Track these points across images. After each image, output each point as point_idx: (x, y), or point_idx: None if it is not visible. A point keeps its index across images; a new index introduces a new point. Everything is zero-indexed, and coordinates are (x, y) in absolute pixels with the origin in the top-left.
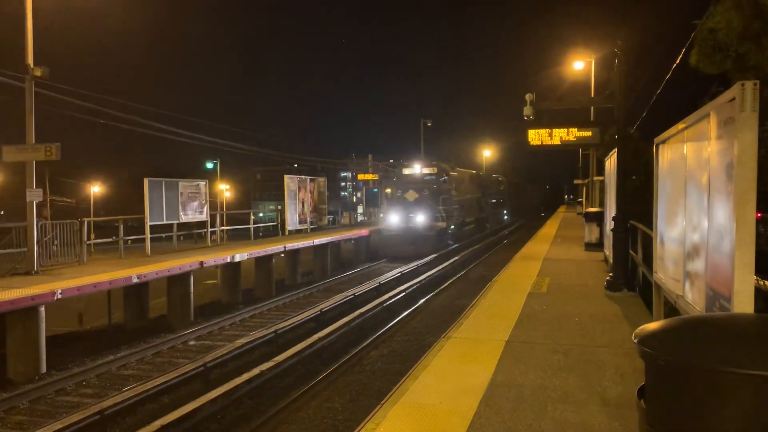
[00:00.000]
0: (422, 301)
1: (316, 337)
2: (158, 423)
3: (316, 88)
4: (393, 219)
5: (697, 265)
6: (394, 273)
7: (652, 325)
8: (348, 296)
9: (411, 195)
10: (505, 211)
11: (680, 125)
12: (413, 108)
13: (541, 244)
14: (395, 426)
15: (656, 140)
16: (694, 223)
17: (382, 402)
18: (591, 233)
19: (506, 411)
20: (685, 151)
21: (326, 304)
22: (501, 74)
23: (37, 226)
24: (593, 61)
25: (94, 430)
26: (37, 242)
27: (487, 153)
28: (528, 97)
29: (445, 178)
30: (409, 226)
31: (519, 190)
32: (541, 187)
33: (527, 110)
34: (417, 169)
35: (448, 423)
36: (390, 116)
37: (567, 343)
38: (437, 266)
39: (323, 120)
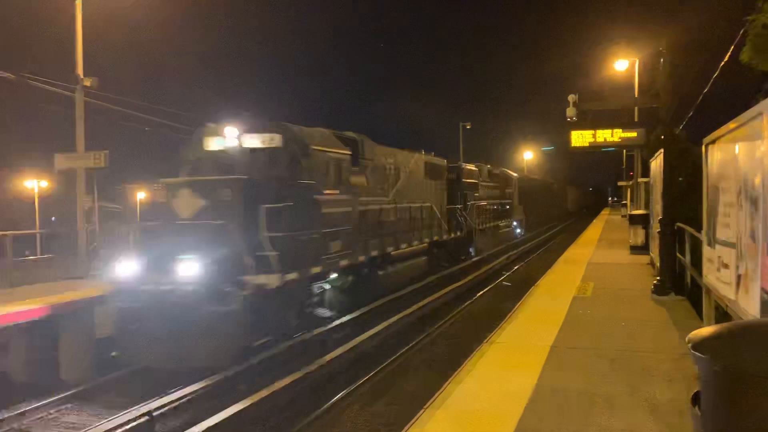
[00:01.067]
0: None
1: None
2: (205, 424)
3: (355, 89)
4: (127, 269)
5: (750, 268)
6: None
7: (706, 330)
8: None
9: (185, 204)
10: (515, 223)
11: (731, 125)
12: (454, 109)
13: (585, 248)
14: (439, 431)
15: (705, 140)
16: (747, 224)
17: (425, 406)
18: (636, 236)
19: (551, 417)
20: (736, 152)
21: None
22: (541, 76)
23: (86, 232)
24: (637, 61)
25: (142, 429)
26: (87, 247)
27: (529, 155)
28: (571, 98)
29: (298, 155)
30: (165, 290)
31: (547, 193)
32: (584, 190)
33: (570, 111)
34: (230, 136)
35: (492, 429)
36: (431, 118)
37: (613, 348)
38: None
39: (364, 121)
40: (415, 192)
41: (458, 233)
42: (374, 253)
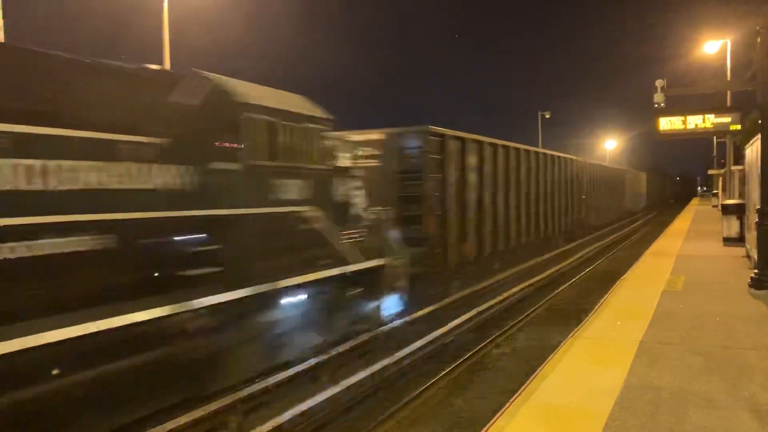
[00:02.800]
0: None
1: None
2: (288, 414)
3: (430, 82)
4: None
5: None
6: None
7: None
8: None
9: None
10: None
11: None
12: (532, 99)
13: (673, 240)
14: (524, 425)
15: None
16: None
17: (511, 400)
18: (730, 227)
19: (643, 414)
20: None
21: None
22: (624, 61)
23: None
24: (729, 42)
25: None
26: None
27: (612, 144)
28: (658, 83)
29: None
30: None
31: (604, 180)
32: (670, 179)
33: (658, 97)
34: None
35: (580, 425)
36: (511, 108)
37: (708, 344)
38: None
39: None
40: None
41: None
42: None
